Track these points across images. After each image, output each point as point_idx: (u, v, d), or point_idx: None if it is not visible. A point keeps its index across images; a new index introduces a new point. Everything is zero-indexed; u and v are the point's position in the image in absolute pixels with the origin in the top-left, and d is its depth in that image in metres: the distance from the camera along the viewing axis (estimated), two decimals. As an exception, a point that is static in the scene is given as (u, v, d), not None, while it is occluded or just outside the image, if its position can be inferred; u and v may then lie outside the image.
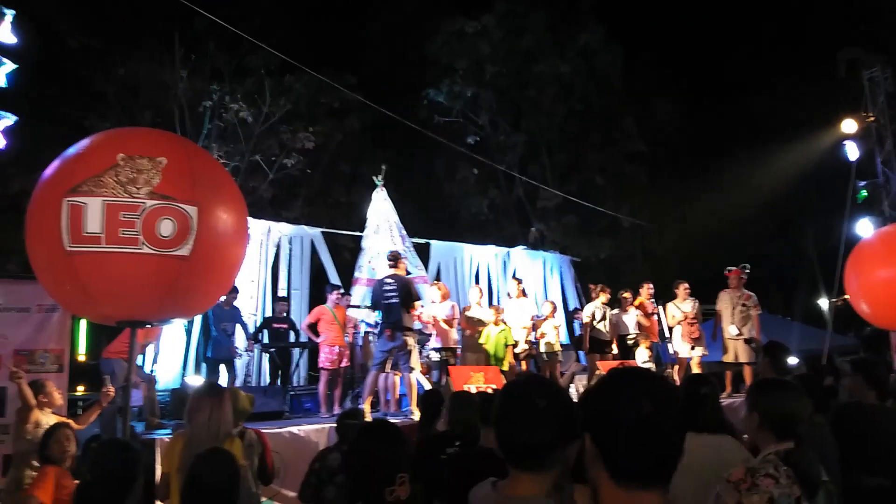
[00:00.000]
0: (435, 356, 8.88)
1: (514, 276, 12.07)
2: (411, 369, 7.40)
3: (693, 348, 9.47)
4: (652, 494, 1.37)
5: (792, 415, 2.48)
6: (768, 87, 22.17)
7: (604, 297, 9.97)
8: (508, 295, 10.29)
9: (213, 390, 3.85)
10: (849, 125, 12.46)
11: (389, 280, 7.56)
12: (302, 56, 11.16)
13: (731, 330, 9.13)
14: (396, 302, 7.38)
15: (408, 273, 9.02)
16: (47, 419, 5.06)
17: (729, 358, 9.20)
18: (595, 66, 19.61)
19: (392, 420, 5.90)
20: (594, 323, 9.75)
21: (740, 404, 8.19)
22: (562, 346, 10.15)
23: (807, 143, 15.77)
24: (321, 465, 3.80)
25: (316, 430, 6.65)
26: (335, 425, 4.60)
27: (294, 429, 6.60)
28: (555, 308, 10.27)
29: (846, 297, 8.91)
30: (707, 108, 21.73)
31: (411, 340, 7.43)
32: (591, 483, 1.43)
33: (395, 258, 7.84)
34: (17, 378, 5.16)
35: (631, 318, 10.14)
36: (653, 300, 10.33)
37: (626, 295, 10.29)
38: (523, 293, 10.04)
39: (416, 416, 7.14)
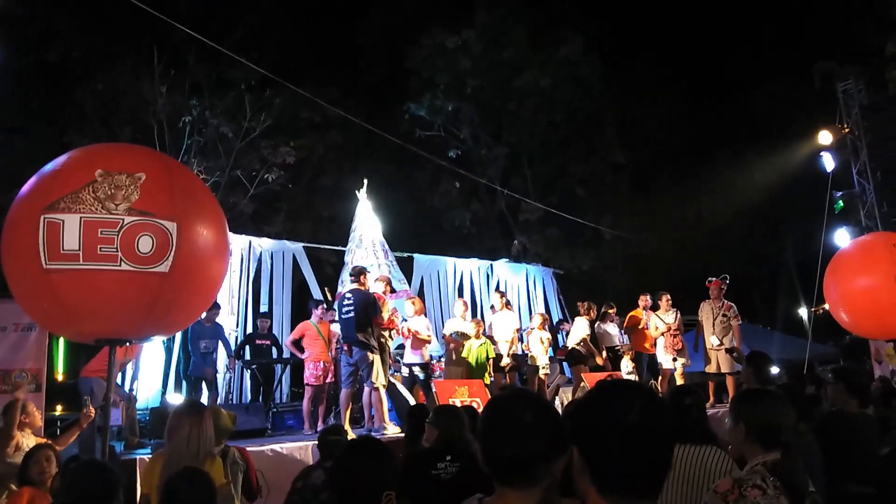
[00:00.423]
0: (405, 371, 8.82)
1: (497, 289, 12.04)
2: (373, 384, 7.28)
3: (675, 359, 9.51)
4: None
5: (777, 424, 2.49)
6: (751, 94, 22.38)
7: (592, 314, 10.05)
8: (492, 308, 10.28)
9: (193, 408, 3.79)
10: (825, 136, 12.66)
11: (349, 295, 7.51)
12: (282, 70, 11.16)
13: (712, 340, 9.19)
14: (351, 317, 7.34)
15: (392, 291, 8.98)
16: (28, 441, 4.96)
17: (711, 368, 9.25)
18: (575, 78, 19.76)
19: (377, 436, 5.86)
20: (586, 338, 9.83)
21: (723, 414, 8.25)
22: (550, 358, 10.14)
23: (786, 152, 16.00)
24: (304, 484, 3.75)
25: (299, 448, 6.57)
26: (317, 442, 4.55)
27: (277, 446, 6.52)
28: (544, 320, 10.26)
29: (825, 306, 9.01)
30: (688, 116, 21.93)
31: (371, 354, 7.29)
32: (578, 496, 1.42)
33: (357, 273, 7.74)
34: (17, 395, 5.06)
35: (615, 329, 10.21)
36: (646, 311, 10.35)
37: (611, 311, 10.36)
38: (507, 305, 10.04)
39: (388, 431, 7.07)
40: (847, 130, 12.90)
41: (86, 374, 6.97)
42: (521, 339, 9.78)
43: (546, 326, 10.10)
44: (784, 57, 21.15)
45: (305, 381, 8.32)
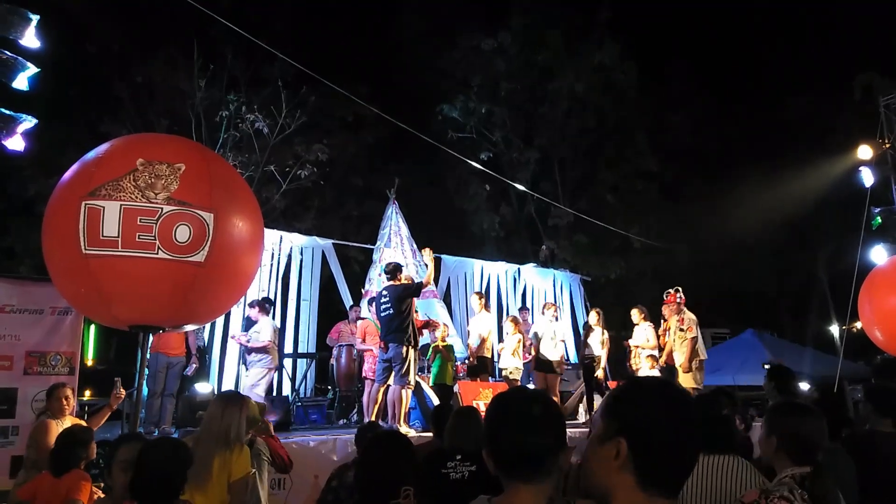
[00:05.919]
0: None
1: (476, 292, 11.93)
2: (404, 383, 7.29)
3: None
4: (672, 501, 1.36)
5: (810, 440, 2.45)
6: (786, 105, 22.03)
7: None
8: (469, 310, 10.28)
9: (233, 398, 3.88)
10: (864, 151, 12.38)
11: (385, 293, 7.56)
12: (318, 68, 11.22)
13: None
14: (389, 314, 7.36)
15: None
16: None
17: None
18: (609, 84, 19.64)
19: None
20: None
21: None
22: (573, 366, 10.03)
23: (822, 165, 15.71)
24: (339, 483, 3.76)
25: (322, 442, 6.63)
26: (351, 437, 4.59)
27: (300, 440, 6.59)
28: (517, 325, 10.17)
29: (858, 324, 8.85)
30: (720, 126, 21.65)
31: (406, 352, 7.26)
32: (602, 491, 1.39)
33: (392, 271, 7.74)
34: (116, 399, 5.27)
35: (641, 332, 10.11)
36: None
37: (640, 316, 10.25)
38: (485, 307, 9.96)
39: (403, 430, 7.07)
40: (888, 146, 12.59)
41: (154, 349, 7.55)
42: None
43: (519, 331, 10.03)
44: (821, 67, 20.83)
45: (364, 375, 8.58)
